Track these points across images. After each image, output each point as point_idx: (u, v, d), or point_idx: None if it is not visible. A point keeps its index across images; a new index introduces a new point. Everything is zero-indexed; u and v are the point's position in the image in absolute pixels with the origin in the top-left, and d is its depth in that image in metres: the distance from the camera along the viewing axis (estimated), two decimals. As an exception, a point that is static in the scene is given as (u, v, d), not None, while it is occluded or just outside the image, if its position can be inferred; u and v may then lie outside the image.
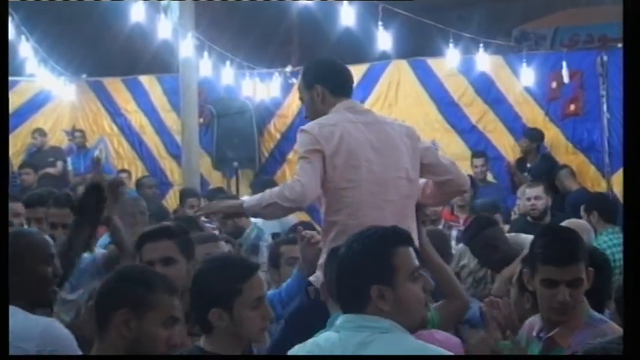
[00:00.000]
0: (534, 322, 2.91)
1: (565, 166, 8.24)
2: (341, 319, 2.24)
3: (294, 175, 3.35)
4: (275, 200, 3.28)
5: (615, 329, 2.57)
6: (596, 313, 2.78)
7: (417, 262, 2.23)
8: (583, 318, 2.74)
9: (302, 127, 3.44)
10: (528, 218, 6.46)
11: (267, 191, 3.37)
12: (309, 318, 2.98)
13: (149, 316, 2.32)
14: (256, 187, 7.93)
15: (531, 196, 6.46)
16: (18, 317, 2.62)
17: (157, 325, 2.32)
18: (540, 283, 2.77)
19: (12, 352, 2.49)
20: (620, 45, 8.51)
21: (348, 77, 3.58)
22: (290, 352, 2.33)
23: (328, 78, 3.52)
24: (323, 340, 2.24)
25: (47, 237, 2.94)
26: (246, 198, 3.53)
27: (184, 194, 7.81)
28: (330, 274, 2.88)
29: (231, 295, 2.50)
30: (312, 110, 3.55)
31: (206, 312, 2.51)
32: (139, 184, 8.75)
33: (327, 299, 2.99)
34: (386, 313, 2.15)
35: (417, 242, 3.10)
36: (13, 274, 2.66)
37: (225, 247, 4.05)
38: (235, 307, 2.50)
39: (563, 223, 4.60)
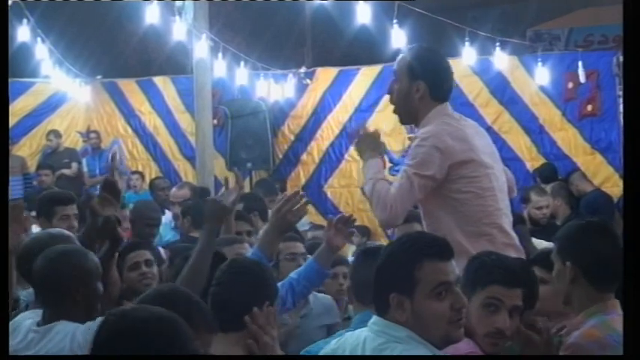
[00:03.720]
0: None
1: (576, 170, 8.21)
2: (371, 320, 2.25)
3: (394, 190, 3.13)
4: (373, 206, 3.19)
5: (589, 338, 2.49)
6: (598, 319, 2.59)
7: (445, 278, 2.15)
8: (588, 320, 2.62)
9: (433, 138, 3.13)
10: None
11: (372, 186, 3.19)
12: None
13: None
14: (261, 189, 8.00)
15: (543, 205, 6.65)
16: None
17: None
18: None
19: None
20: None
21: (452, 84, 3.35)
22: (329, 344, 2.38)
23: (436, 79, 3.26)
24: (354, 336, 2.26)
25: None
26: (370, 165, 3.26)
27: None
28: (356, 276, 2.86)
29: None
30: (402, 103, 3.30)
31: None
32: (152, 185, 8.76)
33: (350, 301, 2.95)
34: (403, 323, 2.14)
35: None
36: (76, 292, 2.76)
37: (248, 248, 4.01)
38: None
39: None
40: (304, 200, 3.32)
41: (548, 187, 7.70)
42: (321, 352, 2.48)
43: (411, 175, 3.12)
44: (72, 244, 3.08)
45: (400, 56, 3.35)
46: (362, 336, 2.23)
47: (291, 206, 3.25)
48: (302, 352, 3.02)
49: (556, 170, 8.26)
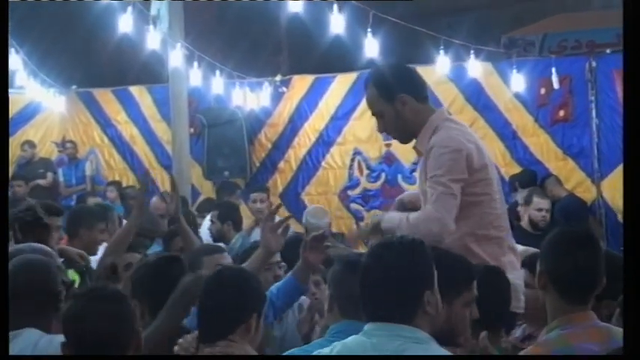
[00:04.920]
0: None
1: (550, 175, 8.29)
2: (371, 326, 2.25)
3: (435, 202, 3.03)
4: (410, 233, 3.05)
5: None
6: (554, 333, 2.59)
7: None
8: None
9: (452, 142, 3.07)
10: (523, 227, 6.55)
11: (405, 218, 3.10)
12: None
13: None
14: (222, 194, 8.03)
15: (543, 208, 6.67)
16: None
17: None
18: None
19: None
20: (608, 50, 8.55)
21: (422, 79, 3.29)
22: (317, 353, 2.43)
23: (411, 84, 3.19)
24: (354, 344, 2.26)
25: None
26: (385, 215, 3.24)
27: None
28: (342, 286, 2.78)
29: None
30: (398, 124, 3.19)
31: None
32: (123, 195, 8.73)
33: (330, 309, 2.87)
34: (432, 318, 2.25)
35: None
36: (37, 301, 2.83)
37: (229, 258, 3.96)
38: None
39: None
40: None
41: (525, 193, 7.77)
42: None
43: (446, 182, 3.02)
44: (33, 256, 3.12)
45: (367, 92, 3.25)
46: (365, 344, 2.23)
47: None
48: (301, 352, 2.97)
49: (535, 176, 8.32)
